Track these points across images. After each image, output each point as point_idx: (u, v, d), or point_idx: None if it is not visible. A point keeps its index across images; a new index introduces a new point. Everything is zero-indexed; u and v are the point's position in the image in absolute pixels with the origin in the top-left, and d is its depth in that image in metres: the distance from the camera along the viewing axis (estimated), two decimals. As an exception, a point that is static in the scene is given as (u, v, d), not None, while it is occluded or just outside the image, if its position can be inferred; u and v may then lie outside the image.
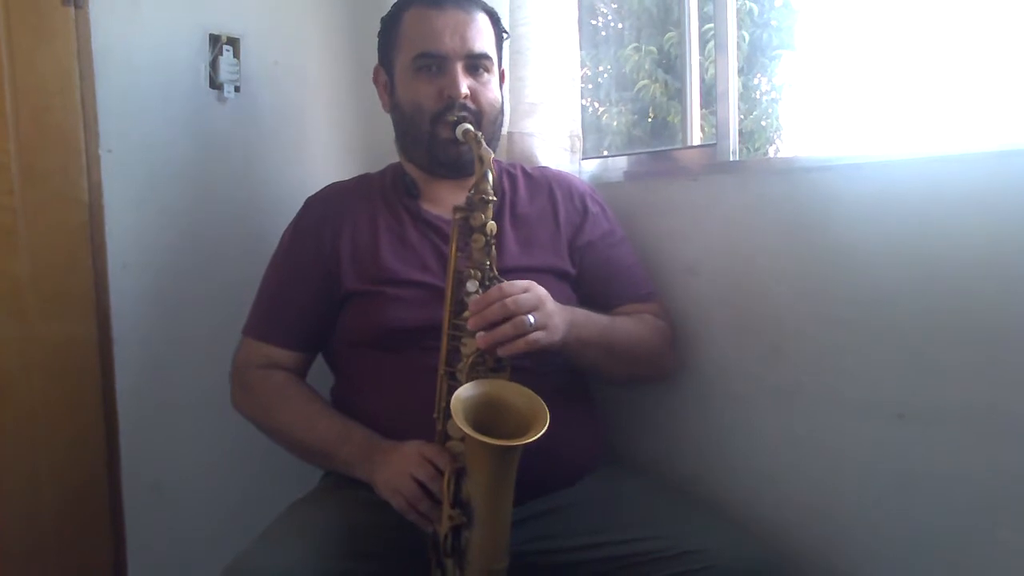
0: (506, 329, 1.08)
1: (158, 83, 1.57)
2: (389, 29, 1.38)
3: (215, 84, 1.63)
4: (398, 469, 1.15)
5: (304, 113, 1.76)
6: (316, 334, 1.36)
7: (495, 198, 1.16)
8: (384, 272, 1.29)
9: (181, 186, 1.61)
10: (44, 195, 1.47)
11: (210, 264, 1.62)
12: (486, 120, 1.33)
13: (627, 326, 1.33)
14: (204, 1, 1.62)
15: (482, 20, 1.34)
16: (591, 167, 1.72)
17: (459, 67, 1.30)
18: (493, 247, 1.15)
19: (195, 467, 1.64)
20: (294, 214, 1.41)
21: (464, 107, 1.29)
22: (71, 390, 1.52)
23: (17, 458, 1.47)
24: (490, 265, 1.14)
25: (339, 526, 1.17)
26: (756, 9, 3.35)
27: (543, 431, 0.99)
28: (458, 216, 1.15)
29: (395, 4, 1.37)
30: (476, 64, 1.32)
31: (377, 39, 1.40)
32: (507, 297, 1.09)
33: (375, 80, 1.44)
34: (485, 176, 1.14)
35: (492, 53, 1.35)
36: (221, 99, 1.65)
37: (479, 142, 1.17)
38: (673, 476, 1.46)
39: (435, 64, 1.31)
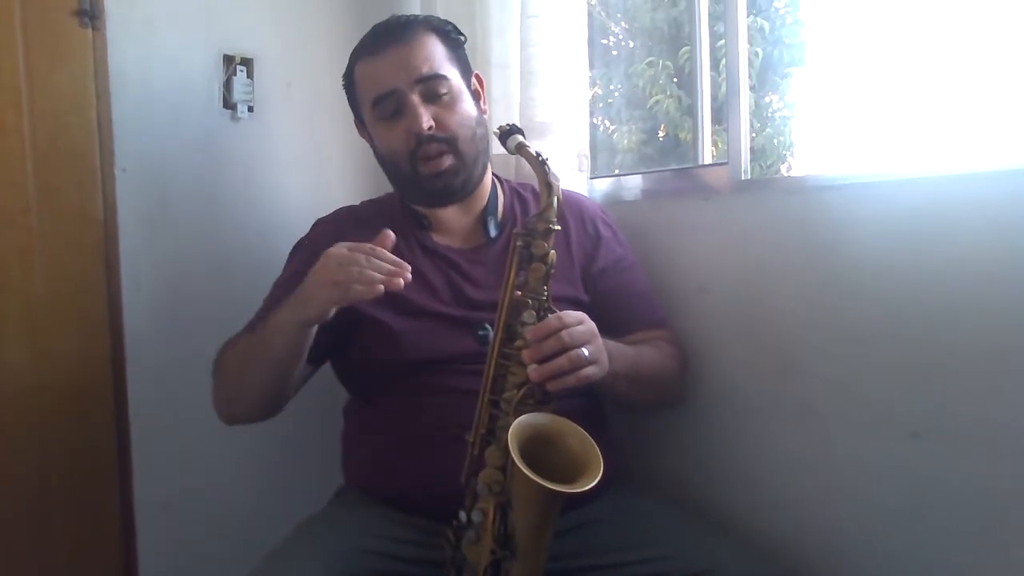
0: (561, 363, 1.05)
1: (172, 103, 1.59)
2: (350, 89, 1.36)
3: (229, 104, 1.65)
4: (317, 278, 1.10)
5: (317, 133, 1.78)
6: (317, 344, 1.33)
7: (559, 227, 1.12)
8: (395, 302, 1.26)
9: (194, 205, 1.62)
10: (59, 213, 1.48)
11: (222, 282, 1.63)
12: (462, 142, 1.28)
13: (651, 356, 1.31)
14: (219, 22, 1.64)
15: (426, 41, 1.29)
16: (602, 186, 1.73)
17: (415, 98, 1.26)
18: (551, 277, 1.12)
19: (207, 485, 1.64)
20: (305, 233, 1.42)
21: (432, 138, 1.26)
22: (84, 407, 1.52)
23: (29, 475, 1.47)
24: (547, 296, 1.11)
25: (350, 546, 1.17)
26: (767, 26, 3.36)
27: (597, 479, 0.98)
28: (519, 244, 1.11)
29: (348, 65, 1.35)
30: (433, 88, 1.27)
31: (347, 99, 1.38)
32: (565, 329, 1.06)
33: (361, 136, 1.41)
34: (551, 204, 1.10)
35: (447, 70, 1.29)
36: (234, 119, 1.66)
37: (545, 168, 1.12)
38: (685, 495, 1.45)
39: (392, 104, 1.27)
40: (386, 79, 1.27)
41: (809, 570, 1.27)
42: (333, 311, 1.11)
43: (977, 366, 1.09)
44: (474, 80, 1.37)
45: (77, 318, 1.51)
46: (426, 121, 1.26)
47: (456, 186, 1.30)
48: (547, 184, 1.11)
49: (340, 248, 1.10)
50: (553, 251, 1.11)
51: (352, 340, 1.31)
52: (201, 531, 1.63)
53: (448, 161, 1.28)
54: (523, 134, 1.19)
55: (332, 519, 1.26)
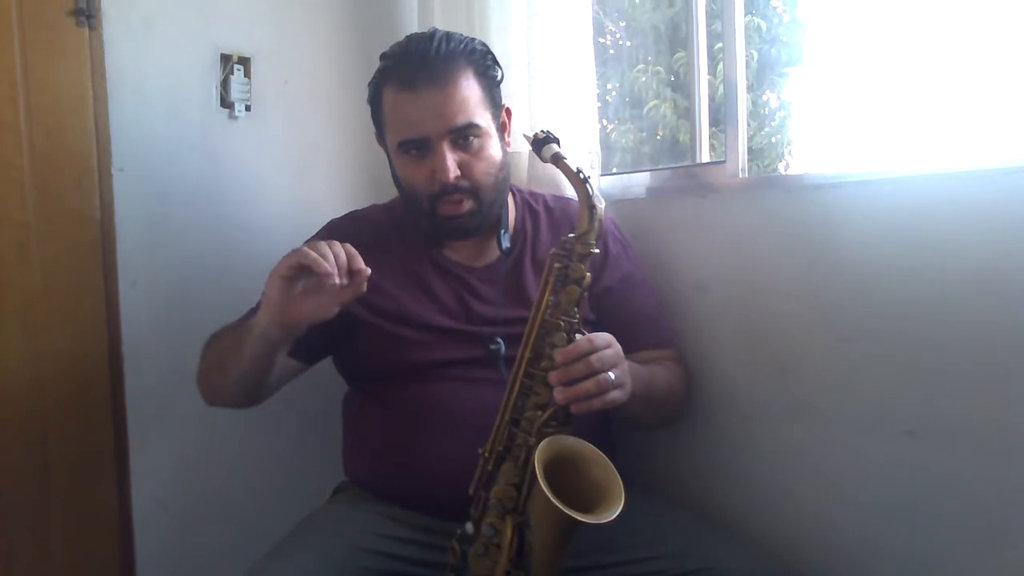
0: (589, 386, 1.04)
1: (169, 102, 1.59)
2: (374, 104, 1.32)
3: (226, 103, 1.64)
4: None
5: (314, 132, 1.77)
6: (308, 345, 1.31)
7: (597, 250, 1.11)
8: (401, 314, 1.28)
9: (191, 204, 1.62)
10: (56, 212, 1.48)
11: (219, 282, 1.62)
12: (484, 190, 1.27)
13: (663, 376, 1.31)
14: (216, 21, 1.64)
15: (463, 84, 1.24)
16: (600, 184, 1.72)
17: (445, 146, 1.23)
18: (584, 299, 1.11)
19: (204, 484, 1.64)
20: (303, 232, 1.41)
21: (457, 187, 1.24)
22: (81, 406, 1.52)
23: (27, 473, 1.47)
24: (578, 319, 1.10)
25: (349, 544, 1.17)
26: (764, 25, 3.36)
27: (620, 508, 0.97)
28: (557, 265, 1.10)
29: (375, 77, 1.30)
30: (464, 134, 1.24)
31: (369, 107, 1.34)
32: (595, 352, 1.05)
33: (379, 145, 1.38)
34: (593, 226, 1.08)
35: (480, 115, 1.26)
36: (232, 118, 1.66)
37: (588, 188, 1.08)
38: (682, 494, 1.45)
39: (420, 147, 1.25)
40: (418, 125, 1.24)
41: (808, 567, 1.27)
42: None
43: (972, 364, 1.09)
44: (503, 114, 1.34)
45: (74, 317, 1.51)
46: (453, 172, 1.23)
47: (471, 228, 1.29)
48: (590, 206, 1.09)
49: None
50: (589, 274, 1.10)
51: (351, 343, 1.31)
52: (199, 530, 1.63)
53: (467, 205, 1.27)
54: (559, 143, 1.14)
55: (331, 516, 1.27)
